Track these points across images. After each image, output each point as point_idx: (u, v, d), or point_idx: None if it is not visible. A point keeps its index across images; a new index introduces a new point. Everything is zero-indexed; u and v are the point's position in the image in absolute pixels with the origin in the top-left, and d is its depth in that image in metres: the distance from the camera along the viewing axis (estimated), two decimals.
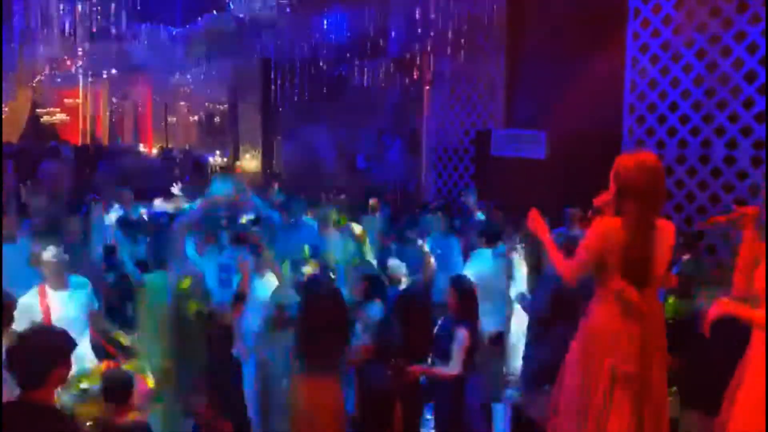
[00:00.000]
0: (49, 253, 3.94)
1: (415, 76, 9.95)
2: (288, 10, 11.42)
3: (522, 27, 8.51)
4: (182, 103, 19.32)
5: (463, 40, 8.95)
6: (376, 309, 4.34)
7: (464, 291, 3.93)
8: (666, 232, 2.83)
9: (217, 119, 17.18)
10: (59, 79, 18.60)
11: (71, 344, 2.54)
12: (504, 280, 5.27)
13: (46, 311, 3.82)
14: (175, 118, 20.00)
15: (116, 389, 2.92)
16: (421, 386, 3.80)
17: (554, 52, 8.09)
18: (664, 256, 2.85)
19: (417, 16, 9.37)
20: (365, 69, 10.63)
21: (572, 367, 2.96)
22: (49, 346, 2.43)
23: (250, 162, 15.52)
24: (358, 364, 3.72)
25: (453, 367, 3.78)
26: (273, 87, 12.07)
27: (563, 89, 8.00)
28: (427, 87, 9.91)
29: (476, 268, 5.11)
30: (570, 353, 2.99)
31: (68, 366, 2.50)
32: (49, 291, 3.90)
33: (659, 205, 2.84)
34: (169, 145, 18.71)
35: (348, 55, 10.86)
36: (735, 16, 6.34)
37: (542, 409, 3.93)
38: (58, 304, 3.88)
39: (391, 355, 3.65)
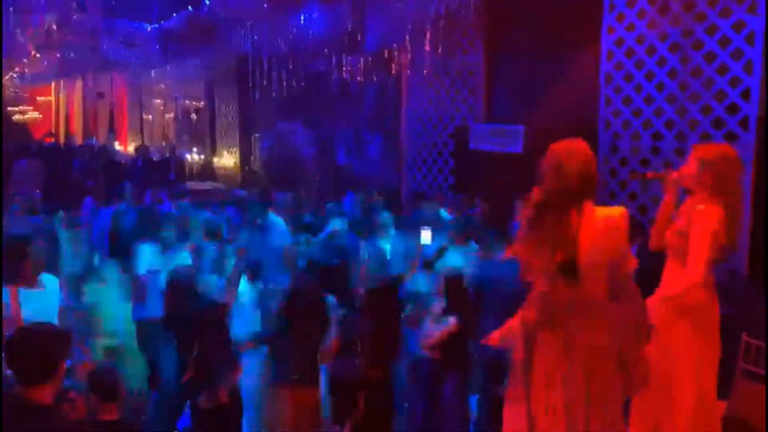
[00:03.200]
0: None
1: (393, 72, 9.96)
2: (265, 5, 11.36)
3: (500, 21, 8.58)
4: (158, 100, 19.12)
5: (441, 35, 8.98)
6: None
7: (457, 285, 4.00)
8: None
9: (193, 116, 17.02)
10: (31, 77, 18.31)
11: (71, 341, 2.56)
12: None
13: (17, 310, 3.75)
14: (150, 116, 19.79)
15: (103, 385, 2.91)
16: (390, 379, 3.83)
17: (532, 46, 8.18)
18: None
19: (395, 10, 9.37)
20: (344, 64, 10.61)
21: None
22: (53, 343, 2.44)
23: (227, 159, 15.44)
24: (328, 360, 3.76)
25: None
26: (250, 83, 11.99)
27: (541, 83, 8.09)
28: (406, 82, 9.93)
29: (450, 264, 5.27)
30: None
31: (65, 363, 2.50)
32: (21, 290, 3.84)
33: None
34: (146, 144, 18.53)
35: (326, 50, 10.83)
36: (707, 9, 6.45)
37: None
38: (29, 303, 3.82)
39: (357, 347, 3.70)
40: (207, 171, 15.21)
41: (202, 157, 16.20)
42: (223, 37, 13.05)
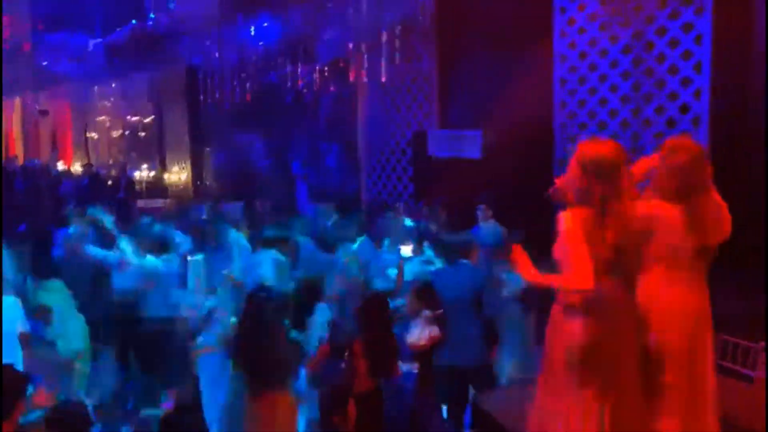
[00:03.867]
0: None
1: (348, 80, 9.89)
2: (214, 16, 11.15)
3: (452, 27, 8.59)
4: (102, 117, 18.55)
5: (394, 43, 8.96)
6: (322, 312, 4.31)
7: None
8: None
9: (141, 133, 16.56)
10: None
11: (27, 383, 2.69)
12: None
13: None
14: (95, 134, 19.17)
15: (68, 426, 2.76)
16: (382, 394, 3.72)
17: (485, 52, 8.22)
18: None
19: (347, 19, 9.31)
20: (297, 74, 10.48)
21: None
22: (11, 385, 2.56)
23: (178, 174, 15.04)
24: (315, 366, 3.64)
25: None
26: (201, 96, 11.74)
27: (495, 88, 8.12)
28: (362, 91, 9.86)
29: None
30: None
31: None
32: None
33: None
34: (92, 162, 17.91)
35: (278, 61, 10.69)
36: (656, 12, 6.59)
37: (499, 403, 3.98)
38: None
39: (345, 353, 3.59)
40: (158, 188, 14.78)
41: (152, 173, 15.75)
42: (171, 49, 12.75)
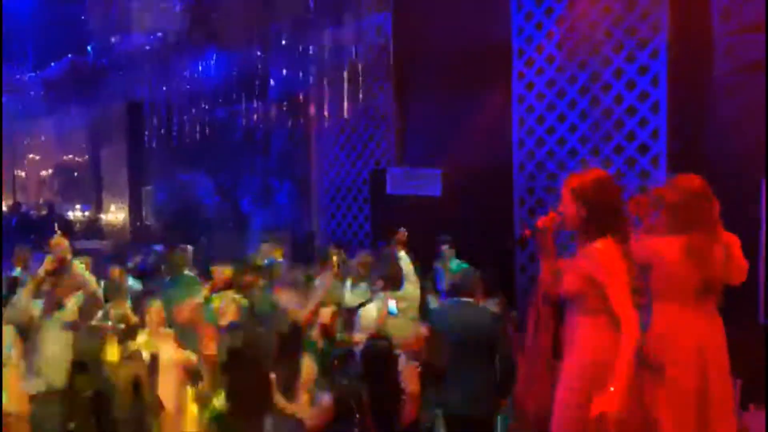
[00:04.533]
0: None
1: (302, 117, 9.74)
2: (158, 51, 10.83)
3: (410, 65, 8.62)
4: (32, 156, 17.65)
5: (351, 80, 8.90)
6: None
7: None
8: None
9: (76, 173, 15.81)
10: None
11: None
12: None
13: None
14: (24, 172, 18.20)
15: None
16: None
17: (443, 90, 8.25)
18: None
19: (302, 55, 9.21)
20: (248, 111, 10.26)
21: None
22: None
23: (116, 214, 14.38)
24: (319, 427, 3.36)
25: None
26: (145, 132, 11.31)
27: (454, 126, 8.14)
28: (316, 127, 9.72)
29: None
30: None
31: None
32: None
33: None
34: (18, 201, 16.92)
35: (228, 97, 10.45)
36: (613, 55, 6.78)
37: None
38: None
39: (355, 415, 3.32)
40: (93, 228, 14.06)
41: (86, 213, 15.01)
42: (111, 84, 12.31)
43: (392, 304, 4.61)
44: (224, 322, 4.49)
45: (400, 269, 5.41)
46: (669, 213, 3.19)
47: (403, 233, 6.68)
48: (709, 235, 3.05)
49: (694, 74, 6.13)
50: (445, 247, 6.92)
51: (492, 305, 5.22)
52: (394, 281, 5.22)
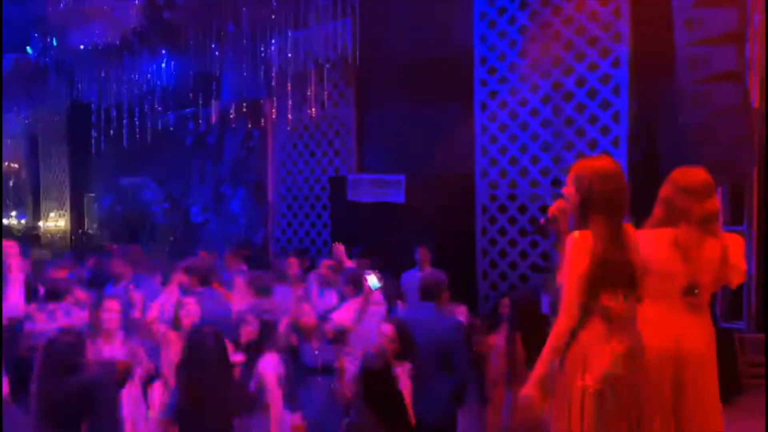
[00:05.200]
0: None
1: (256, 122, 9.50)
2: (105, 51, 10.38)
3: (371, 71, 8.52)
4: None
5: (310, 86, 8.74)
6: None
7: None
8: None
9: (12, 179, 14.98)
10: None
11: None
12: None
13: None
14: None
15: None
16: None
17: (404, 97, 8.19)
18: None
19: (258, 59, 8.99)
20: (200, 115, 9.94)
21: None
22: None
23: (55, 222, 13.68)
24: None
25: None
26: (91, 137, 10.80)
27: (415, 133, 8.10)
28: (272, 134, 9.49)
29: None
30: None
31: None
32: None
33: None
34: None
35: (179, 100, 10.10)
36: (575, 64, 6.87)
37: None
38: None
39: None
40: (30, 237, 13.32)
41: (23, 221, 14.24)
42: (52, 85, 11.73)
43: (373, 279, 4.48)
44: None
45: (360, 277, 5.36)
46: (661, 207, 3.18)
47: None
48: (699, 230, 3.02)
49: (656, 84, 6.27)
50: (420, 252, 6.77)
51: (454, 312, 5.22)
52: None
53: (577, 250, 2.61)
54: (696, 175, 3.08)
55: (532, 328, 4.07)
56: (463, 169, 7.66)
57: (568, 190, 2.78)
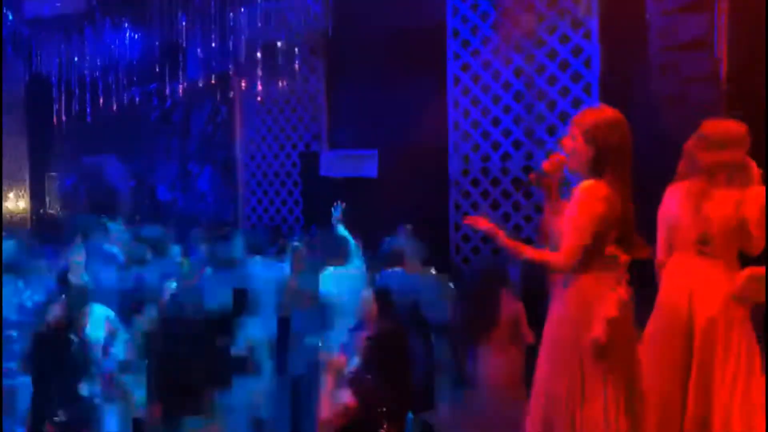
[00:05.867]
0: None
1: (224, 97, 9.30)
2: (65, 21, 10.01)
3: (342, 45, 8.40)
4: None
5: (279, 59, 8.58)
6: None
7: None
8: None
9: None
10: None
11: None
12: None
13: None
14: None
15: None
16: None
17: (376, 71, 8.10)
18: None
19: (226, 32, 8.77)
20: (166, 90, 9.68)
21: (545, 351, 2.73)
22: None
23: (15, 202, 13.24)
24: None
25: None
26: (52, 114, 10.45)
27: (388, 108, 8.03)
28: (240, 109, 9.31)
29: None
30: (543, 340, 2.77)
31: None
32: None
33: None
34: None
35: (144, 74, 9.83)
36: (547, 36, 6.88)
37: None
38: None
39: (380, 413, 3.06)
40: None
41: None
42: (8, 57, 11.27)
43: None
44: None
45: (347, 245, 5.33)
46: (684, 159, 3.20)
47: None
48: (707, 181, 3.04)
49: (627, 56, 6.31)
50: (405, 227, 6.72)
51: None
52: (342, 257, 5.17)
53: (593, 197, 2.61)
54: (718, 125, 3.09)
55: (490, 297, 4.15)
56: (436, 143, 7.64)
57: (576, 142, 2.75)
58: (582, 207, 2.61)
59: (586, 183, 2.65)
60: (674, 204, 3.12)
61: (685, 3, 5.27)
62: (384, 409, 2.97)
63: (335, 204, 6.41)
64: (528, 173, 2.86)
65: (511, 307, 4.23)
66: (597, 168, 2.68)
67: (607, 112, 2.82)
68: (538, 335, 2.96)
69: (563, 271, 2.63)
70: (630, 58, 6.29)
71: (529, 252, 2.68)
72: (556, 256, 2.64)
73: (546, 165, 2.87)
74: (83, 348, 3.82)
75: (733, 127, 3.07)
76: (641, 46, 6.07)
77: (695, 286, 3.03)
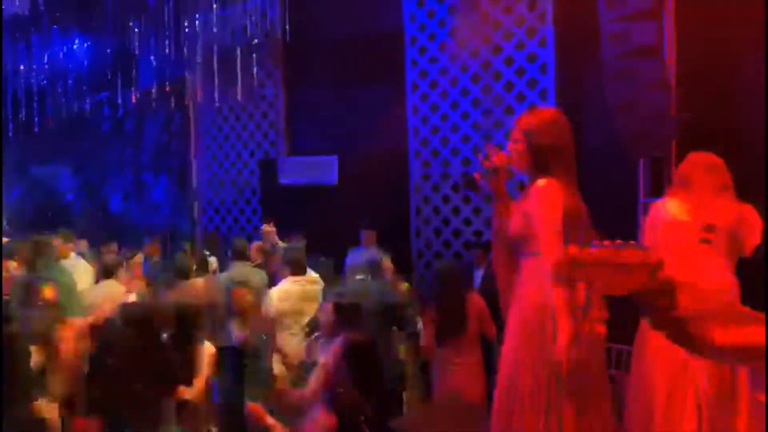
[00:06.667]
0: None
1: (180, 105, 9.13)
2: (10, 28, 9.68)
3: (299, 51, 8.34)
4: None
5: (234, 65, 8.47)
6: None
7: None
8: None
9: None
10: None
11: None
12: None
13: None
14: None
15: None
16: None
17: (335, 77, 8.09)
18: None
19: (180, 39, 8.63)
20: (118, 98, 9.44)
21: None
22: None
23: None
24: None
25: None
26: None
27: (346, 114, 8.01)
28: (196, 117, 9.15)
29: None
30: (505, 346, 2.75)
31: None
32: None
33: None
34: None
35: (95, 82, 9.57)
36: (503, 43, 6.98)
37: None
38: None
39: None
40: None
41: None
42: None
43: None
44: None
45: (304, 255, 5.29)
46: (677, 180, 3.41)
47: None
48: (713, 192, 3.19)
49: (581, 62, 6.45)
50: (365, 233, 6.70)
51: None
52: (298, 267, 5.13)
53: (552, 196, 2.63)
54: (710, 155, 3.29)
55: (451, 302, 4.17)
56: (396, 149, 7.65)
57: (517, 144, 2.79)
58: (542, 203, 2.64)
59: (541, 181, 2.68)
60: (669, 207, 3.27)
61: (635, 10, 5.41)
62: (363, 418, 2.92)
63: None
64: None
65: (475, 306, 4.26)
66: (539, 166, 2.72)
67: (544, 113, 2.90)
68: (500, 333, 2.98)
69: (557, 267, 2.61)
70: (584, 64, 6.43)
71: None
72: (544, 263, 2.58)
73: (488, 164, 2.87)
74: None
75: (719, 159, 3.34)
76: (595, 52, 6.20)
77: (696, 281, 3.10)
